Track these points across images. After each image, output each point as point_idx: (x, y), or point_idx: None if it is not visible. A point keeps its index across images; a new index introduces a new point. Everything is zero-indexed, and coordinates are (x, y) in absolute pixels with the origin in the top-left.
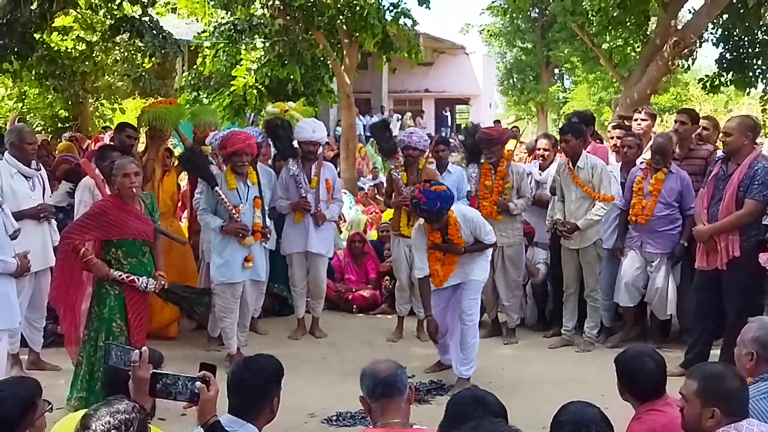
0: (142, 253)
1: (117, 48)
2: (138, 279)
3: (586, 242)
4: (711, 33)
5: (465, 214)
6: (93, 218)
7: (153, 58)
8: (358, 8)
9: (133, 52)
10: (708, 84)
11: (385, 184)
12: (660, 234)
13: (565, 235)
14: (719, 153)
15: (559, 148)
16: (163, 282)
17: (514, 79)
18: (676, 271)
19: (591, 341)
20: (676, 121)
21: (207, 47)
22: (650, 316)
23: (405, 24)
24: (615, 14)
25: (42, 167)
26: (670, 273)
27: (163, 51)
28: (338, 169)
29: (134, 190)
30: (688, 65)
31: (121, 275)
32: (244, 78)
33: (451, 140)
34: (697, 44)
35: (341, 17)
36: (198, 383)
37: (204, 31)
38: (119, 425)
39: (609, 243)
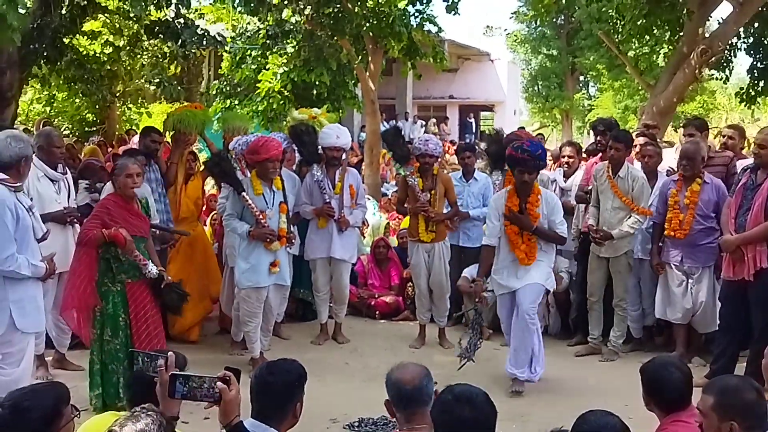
0: (139, 249)
1: (145, 53)
2: (148, 262)
3: (617, 252)
4: (743, 41)
5: (548, 194)
6: (99, 217)
7: (187, 59)
8: (383, 15)
9: (160, 57)
10: (744, 95)
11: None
12: (700, 248)
13: (597, 242)
14: (740, 161)
15: (584, 155)
16: (168, 277)
17: (539, 86)
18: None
19: (616, 350)
20: (684, 135)
21: (229, 51)
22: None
23: (430, 31)
24: (641, 22)
25: (68, 171)
26: (712, 286)
27: (203, 47)
28: (362, 174)
29: (134, 190)
30: (726, 76)
31: (137, 255)
32: (270, 83)
33: (475, 147)
34: (732, 53)
35: (367, 24)
36: (219, 383)
37: (230, 37)
38: None
39: (637, 250)
